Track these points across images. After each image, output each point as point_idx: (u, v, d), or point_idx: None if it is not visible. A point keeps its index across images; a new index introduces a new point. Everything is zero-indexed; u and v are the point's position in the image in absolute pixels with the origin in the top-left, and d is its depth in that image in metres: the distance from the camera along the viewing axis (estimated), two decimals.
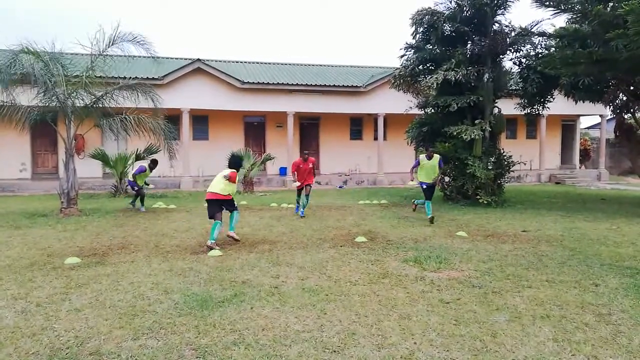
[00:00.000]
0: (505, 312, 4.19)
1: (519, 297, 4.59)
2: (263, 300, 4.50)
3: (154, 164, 11.69)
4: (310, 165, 10.43)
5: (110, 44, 10.54)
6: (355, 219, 9.80)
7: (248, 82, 18.23)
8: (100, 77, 10.96)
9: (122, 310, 4.22)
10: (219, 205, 7.03)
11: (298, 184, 10.32)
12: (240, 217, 10.08)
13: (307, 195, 10.33)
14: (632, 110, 12.79)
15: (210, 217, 7.04)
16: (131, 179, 11.36)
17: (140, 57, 11.48)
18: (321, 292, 4.73)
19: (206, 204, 7.14)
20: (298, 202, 10.53)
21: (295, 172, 10.43)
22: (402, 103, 15.34)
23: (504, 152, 13.05)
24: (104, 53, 10.62)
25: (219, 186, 7.01)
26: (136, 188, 11.26)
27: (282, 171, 19.96)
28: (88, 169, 17.15)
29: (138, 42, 10.66)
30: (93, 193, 15.68)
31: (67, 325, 3.87)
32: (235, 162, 7.31)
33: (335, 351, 3.38)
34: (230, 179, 6.96)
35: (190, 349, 3.42)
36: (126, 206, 11.62)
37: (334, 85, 19.34)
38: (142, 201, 11.31)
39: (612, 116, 19.95)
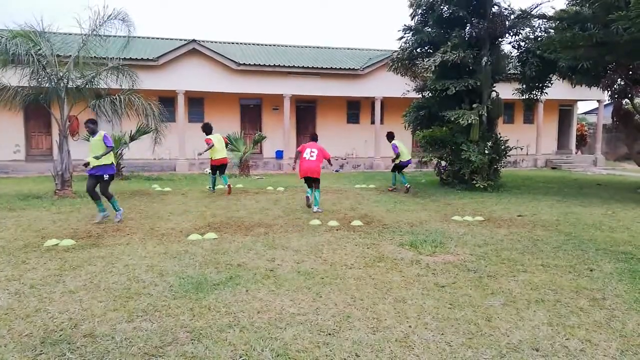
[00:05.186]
0: (500, 296, 4.20)
1: (514, 282, 4.60)
2: (258, 283, 4.49)
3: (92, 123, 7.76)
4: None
5: (102, 23, 10.37)
6: (351, 203, 9.79)
7: (244, 64, 18.00)
8: (93, 57, 10.79)
9: (116, 292, 4.21)
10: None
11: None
12: (236, 200, 10.08)
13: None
14: (630, 95, 12.72)
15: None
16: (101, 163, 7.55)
17: (136, 37, 11.31)
18: (317, 276, 4.73)
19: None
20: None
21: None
22: (399, 86, 15.22)
23: (500, 136, 13.01)
24: (94, 33, 10.46)
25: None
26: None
27: (279, 154, 19.88)
28: (82, 151, 16.94)
29: (122, 19, 10.49)
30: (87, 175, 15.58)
31: (61, 307, 3.85)
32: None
33: (330, 334, 3.38)
34: None
35: (184, 331, 3.41)
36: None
37: (331, 68, 19.14)
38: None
39: (609, 101, 19.91)
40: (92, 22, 10.36)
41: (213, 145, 10.78)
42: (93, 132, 7.60)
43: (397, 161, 11.67)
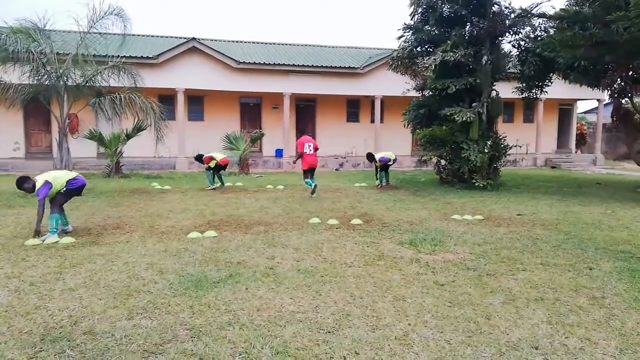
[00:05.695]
0: (500, 294, 4.21)
1: (513, 280, 4.61)
2: (258, 281, 4.49)
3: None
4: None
5: (98, 19, 10.41)
6: (351, 201, 9.79)
7: (244, 62, 18.00)
8: (92, 55, 10.80)
9: (116, 290, 4.21)
10: None
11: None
12: (236, 198, 10.09)
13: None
14: (629, 95, 12.72)
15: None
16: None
17: (135, 35, 11.35)
18: (316, 274, 4.73)
19: None
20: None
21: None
22: (399, 85, 15.21)
23: (500, 135, 13.01)
24: (92, 30, 10.48)
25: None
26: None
27: (278, 153, 19.88)
28: (82, 149, 16.99)
29: (117, 14, 10.52)
30: (87, 173, 15.55)
31: (61, 304, 3.85)
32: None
33: (329, 332, 3.38)
34: None
35: (184, 329, 3.42)
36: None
37: (331, 67, 19.13)
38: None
39: (609, 101, 19.92)
40: (89, 18, 10.39)
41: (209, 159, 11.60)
42: (32, 190, 6.51)
43: (390, 162, 12.40)
